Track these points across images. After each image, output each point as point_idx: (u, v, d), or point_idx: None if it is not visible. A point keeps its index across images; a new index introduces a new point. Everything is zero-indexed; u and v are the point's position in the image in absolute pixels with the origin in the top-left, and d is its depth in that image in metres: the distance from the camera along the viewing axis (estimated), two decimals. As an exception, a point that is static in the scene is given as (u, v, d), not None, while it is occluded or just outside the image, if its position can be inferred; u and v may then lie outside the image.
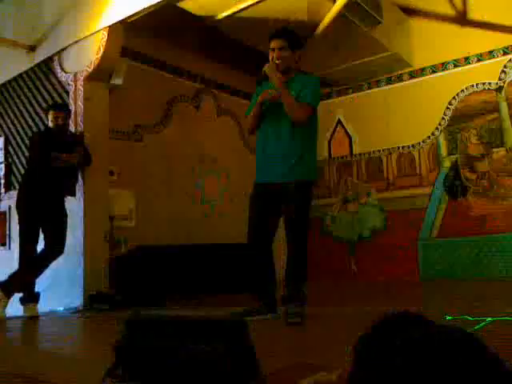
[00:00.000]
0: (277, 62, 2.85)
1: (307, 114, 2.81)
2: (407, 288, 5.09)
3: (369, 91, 6.46)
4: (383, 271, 5.96)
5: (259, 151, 3.01)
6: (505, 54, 5.45)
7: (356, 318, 3.01)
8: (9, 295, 3.65)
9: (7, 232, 5.04)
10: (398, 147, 6.13)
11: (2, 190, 5.14)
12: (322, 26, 4.74)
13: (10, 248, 4.95)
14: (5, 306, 3.61)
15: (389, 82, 6.29)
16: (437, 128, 5.85)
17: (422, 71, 6.03)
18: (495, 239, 5.36)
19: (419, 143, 5.98)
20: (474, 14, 5.61)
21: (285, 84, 2.82)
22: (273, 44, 2.88)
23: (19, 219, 3.85)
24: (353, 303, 3.91)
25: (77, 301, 4.10)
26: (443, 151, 5.84)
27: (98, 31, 4.41)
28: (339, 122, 6.64)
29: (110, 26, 4.35)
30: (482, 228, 5.47)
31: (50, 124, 4.01)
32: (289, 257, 2.90)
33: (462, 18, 5.69)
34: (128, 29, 4.47)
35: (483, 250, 5.43)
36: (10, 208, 4.95)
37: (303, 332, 2.64)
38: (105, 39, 4.35)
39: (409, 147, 6.06)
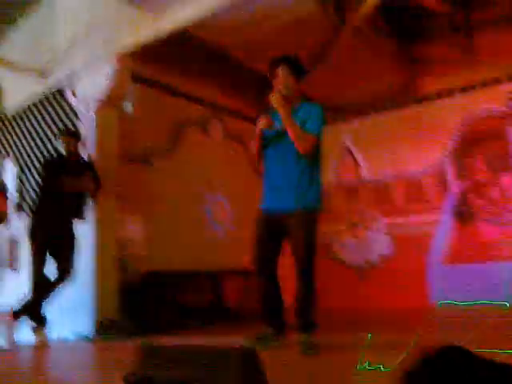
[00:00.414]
0: (282, 90, 2.87)
1: (313, 145, 2.84)
2: (418, 315, 5.02)
3: (376, 116, 6.50)
4: (392, 297, 5.89)
5: (266, 178, 3.03)
6: (510, 80, 5.49)
7: (368, 346, 2.97)
8: (17, 318, 3.65)
9: (18, 256, 5.05)
10: (406, 172, 6.14)
11: (14, 215, 5.17)
12: (329, 53, 4.79)
13: (20, 272, 4.94)
14: (14, 331, 3.60)
15: (396, 107, 6.32)
16: (444, 154, 5.86)
17: (428, 97, 6.08)
18: (505, 266, 5.31)
19: (427, 169, 5.98)
20: (480, 42, 5.68)
21: (291, 116, 2.83)
22: (277, 71, 2.91)
23: (30, 244, 3.87)
24: (363, 330, 3.85)
25: (87, 327, 4.06)
26: (451, 177, 5.83)
27: (110, 59, 4.49)
28: (346, 147, 6.67)
29: (121, 54, 4.42)
30: (492, 254, 5.42)
31: (62, 150, 4.06)
32: (298, 287, 2.89)
33: (467, 44, 5.75)
34: (138, 55, 4.55)
35: (493, 277, 5.37)
36: (21, 233, 4.97)
37: (316, 360, 2.60)
38: (116, 66, 4.42)
39: (416, 172, 6.06)
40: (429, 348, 0.86)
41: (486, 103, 5.64)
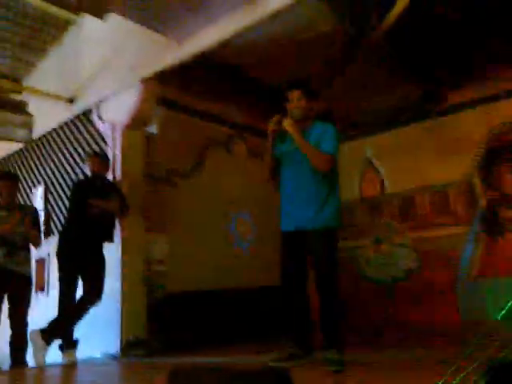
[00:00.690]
0: (294, 113, 2.97)
1: (329, 163, 2.91)
2: (447, 331, 4.93)
3: (398, 129, 6.45)
4: (420, 313, 5.79)
5: (283, 198, 3.09)
6: (536, 90, 5.42)
7: (396, 364, 2.93)
8: (49, 342, 3.70)
9: (46, 278, 5.16)
10: (432, 185, 6.06)
11: (42, 237, 5.29)
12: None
13: (48, 294, 5.04)
14: (44, 353, 3.66)
15: (419, 119, 6.27)
16: (471, 166, 5.78)
17: (453, 108, 6.00)
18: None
19: (453, 181, 5.90)
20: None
21: (304, 137, 2.91)
22: (290, 95, 3.02)
23: (59, 266, 3.94)
24: (391, 348, 3.80)
25: (114, 347, 4.11)
26: (478, 189, 5.74)
27: (135, 83, 4.61)
28: (369, 161, 6.64)
29: (145, 78, 4.54)
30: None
31: (89, 172, 4.17)
32: (322, 304, 2.90)
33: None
34: (162, 79, 4.66)
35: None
36: (49, 254, 5.08)
37: (343, 379, 2.59)
38: (141, 90, 4.54)
39: (443, 185, 5.98)
40: None
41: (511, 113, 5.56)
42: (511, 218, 5.46)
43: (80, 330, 3.96)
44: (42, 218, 5.31)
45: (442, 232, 5.92)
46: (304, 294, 3.02)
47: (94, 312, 3.92)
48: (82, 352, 3.97)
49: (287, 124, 2.93)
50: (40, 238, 4.28)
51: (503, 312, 4.97)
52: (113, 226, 4.16)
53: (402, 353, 3.44)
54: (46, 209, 5.45)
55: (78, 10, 4.85)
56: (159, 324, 4.33)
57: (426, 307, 5.79)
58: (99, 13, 4.08)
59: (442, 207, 5.98)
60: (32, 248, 4.24)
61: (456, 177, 5.85)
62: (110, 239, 4.11)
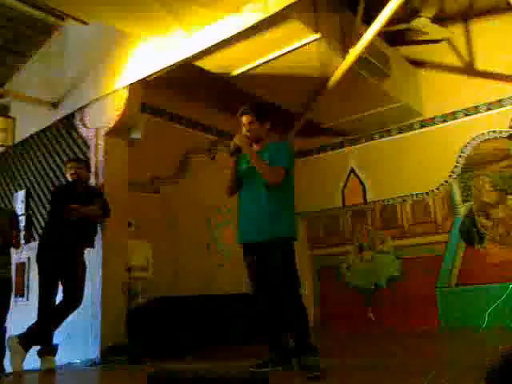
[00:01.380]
0: (247, 134, 3.13)
1: (280, 176, 3.03)
2: (426, 338, 4.99)
3: (381, 140, 6.57)
4: (401, 320, 5.86)
5: (240, 212, 3.23)
6: (513, 102, 5.56)
7: (375, 370, 2.97)
8: (27, 348, 3.66)
9: (26, 283, 5.10)
10: (412, 194, 6.16)
11: (22, 242, 5.23)
12: (333, 80, 4.90)
13: (28, 299, 4.99)
14: (22, 359, 3.62)
15: (400, 131, 6.40)
16: (450, 175, 5.89)
17: (432, 120, 6.14)
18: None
19: (433, 190, 6.00)
20: (481, 65, 5.78)
21: (254, 150, 3.10)
22: (243, 120, 3.18)
23: (39, 271, 3.91)
24: (371, 354, 3.84)
25: (94, 353, 4.08)
26: (458, 198, 5.85)
27: (119, 89, 4.62)
28: (352, 170, 6.73)
29: (130, 84, 4.55)
30: (501, 275, 5.39)
31: (69, 176, 4.14)
32: (285, 314, 3.02)
33: (469, 69, 5.86)
34: (146, 85, 4.67)
35: (503, 299, 5.33)
36: (29, 259, 5.03)
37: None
38: (125, 96, 4.55)
39: (423, 194, 6.08)
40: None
41: (491, 125, 5.69)
42: (489, 227, 5.57)
43: (60, 336, 3.92)
44: (22, 223, 5.27)
45: (423, 240, 6.02)
46: (275, 302, 3.07)
47: (74, 317, 3.89)
48: (61, 358, 3.92)
49: (237, 138, 3.09)
50: (19, 240, 4.24)
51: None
52: (93, 231, 4.14)
53: (381, 359, 3.48)
54: (27, 213, 5.40)
55: (62, 14, 4.85)
56: (140, 330, 4.30)
57: (408, 314, 5.86)
58: (83, 18, 4.08)
59: (422, 216, 6.08)
60: (12, 252, 4.19)
61: (436, 187, 5.97)
62: (91, 245, 4.09)
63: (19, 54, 5.70)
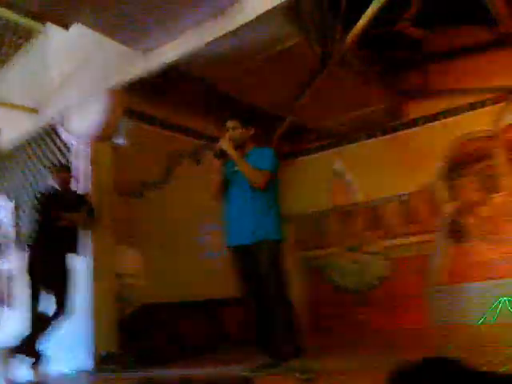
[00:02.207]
0: (230, 141, 3.18)
1: (265, 179, 3.09)
2: (417, 336, 5.01)
3: (366, 141, 6.60)
4: (391, 320, 5.89)
5: (226, 216, 3.28)
6: (496, 102, 5.62)
7: (366, 371, 2.97)
8: (18, 358, 3.62)
9: (12, 293, 5.03)
10: (399, 195, 6.20)
11: (11, 251, 5.17)
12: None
13: (15, 309, 4.92)
14: (14, 370, 3.58)
15: (385, 132, 6.44)
16: (435, 175, 5.94)
17: (416, 121, 6.19)
18: (502, 284, 5.33)
19: (419, 190, 6.05)
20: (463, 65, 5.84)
21: (239, 154, 3.16)
22: (227, 125, 3.25)
23: (28, 280, 3.86)
24: (362, 355, 3.84)
25: (86, 362, 4.03)
26: (444, 197, 5.90)
27: (102, 94, 4.57)
28: (338, 172, 6.75)
29: (113, 89, 4.51)
30: (489, 273, 5.44)
31: (54, 184, 4.10)
32: (274, 316, 3.02)
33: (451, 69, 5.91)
34: (130, 90, 4.63)
35: (490, 296, 5.38)
36: (16, 269, 4.96)
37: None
38: (108, 101, 4.51)
39: (409, 195, 6.12)
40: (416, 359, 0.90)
41: (473, 125, 5.75)
42: (474, 225, 5.63)
43: (52, 346, 3.86)
44: (12, 233, 5.21)
45: (411, 240, 6.06)
46: (264, 305, 3.07)
47: (65, 327, 3.84)
48: (53, 368, 3.87)
49: (222, 141, 3.15)
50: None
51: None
52: (79, 238, 4.09)
53: (374, 359, 3.48)
54: (13, 222, 5.32)
55: (42, 19, 4.79)
56: (132, 337, 4.27)
57: (398, 314, 5.89)
58: (64, 23, 4.04)
59: (409, 216, 6.12)
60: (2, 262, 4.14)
61: (422, 186, 6.01)
62: (75, 251, 4.04)
63: (-1, 60, 5.63)
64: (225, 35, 3.91)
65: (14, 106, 5.34)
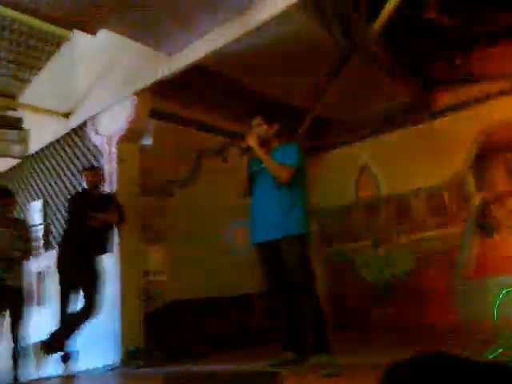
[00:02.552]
0: (255, 137, 3.20)
1: (289, 174, 3.09)
2: (445, 331, 4.96)
3: (392, 133, 6.52)
4: (419, 313, 5.83)
5: (252, 213, 3.29)
6: (525, 90, 5.49)
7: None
8: (49, 354, 3.74)
9: (44, 292, 5.20)
10: (426, 187, 6.12)
11: (42, 250, 5.33)
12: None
13: (46, 307, 5.08)
14: (45, 365, 3.71)
15: (411, 123, 6.34)
16: (463, 165, 5.84)
17: (443, 111, 6.08)
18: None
19: (447, 181, 5.95)
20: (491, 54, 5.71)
21: (265, 151, 3.17)
22: (252, 122, 3.30)
23: (59, 279, 3.98)
24: (389, 350, 3.83)
25: (114, 358, 4.15)
26: (472, 188, 5.80)
27: (129, 96, 4.68)
28: (364, 165, 6.70)
29: (139, 91, 4.61)
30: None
31: (85, 185, 4.22)
32: (302, 310, 3.04)
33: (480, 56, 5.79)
34: (156, 91, 4.73)
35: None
36: (48, 268, 5.13)
37: (338, 381, 2.62)
38: (135, 103, 4.62)
39: (436, 186, 6.04)
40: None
41: (502, 113, 5.62)
42: (504, 216, 5.52)
43: (80, 342, 3.99)
44: (40, 232, 5.38)
45: (439, 232, 5.97)
46: (291, 300, 3.09)
47: (93, 323, 3.96)
48: (82, 363, 4.00)
49: (248, 139, 3.17)
50: (30, 253, 4.31)
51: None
52: (109, 237, 4.20)
53: (400, 354, 3.48)
54: (45, 222, 5.50)
55: (70, 26, 4.93)
56: (159, 334, 4.37)
57: (425, 308, 5.83)
58: (91, 29, 4.15)
59: (437, 208, 6.04)
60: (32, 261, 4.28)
61: (449, 178, 5.92)
62: (105, 251, 4.15)
63: (30, 67, 5.81)
64: (247, 33, 3.96)
65: (45, 111, 5.51)
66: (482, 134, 5.74)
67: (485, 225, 5.64)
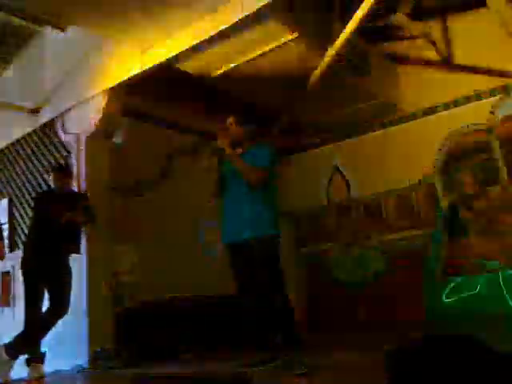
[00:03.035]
0: (228, 138, 3.22)
1: (261, 176, 3.11)
2: (414, 330, 5.03)
3: (363, 136, 6.61)
4: (388, 314, 5.91)
5: (224, 213, 3.30)
6: (491, 95, 5.63)
7: (364, 365, 3.00)
8: (14, 357, 3.64)
9: (11, 292, 5.06)
10: (396, 189, 6.22)
11: (6, 250, 5.18)
12: (312, 79, 4.93)
13: (14, 308, 4.95)
14: (10, 368, 3.60)
15: (381, 126, 6.45)
16: (432, 169, 5.96)
17: (413, 115, 6.21)
18: (498, 277, 5.34)
19: (415, 184, 6.07)
20: (459, 59, 5.85)
21: (238, 151, 3.20)
22: (226, 123, 3.32)
23: (24, 279, 3.88)
24: (358, 351, 3.88)
25: (82, 359, 4.07)
26: (440, 191, 5.92)
27: (99, 93, 4.60)
28: (336, 167, 6.77)
29: (109, 88, 4.54)
30: (484, 266, 5.46)
31: (53, 186, 4.12)
32: (270, 309, 3.05)
33: (447, 63, 5.93)
34: (126, 89, 4.65)
35: (487, 289, 5.40)
36: (13, 268, 4.99)
37: (308, 379, 2.63)
38: (105, 101, 4.54)
39: (406, 189, 6.14)
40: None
41: (470, 118, 5.76)
42: (471, 219, 5.65)
43: (47, 343, 3.90)
44: (5, 231, 5.22)
45: (408, 234, 6.08)
46: (260, 300, 3.10)
47: (61, 324, 3.87)
48: (49, 365, 3.91)
49: (220, 141, 3.18)
50: (3, 251, 4.19)
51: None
52: (78, 237, 4.12)
53: (368, 354, 3.52)
54: (10, 221, 5.35)
55: (39, 21, 4.81)
56: (128, 334, 4.30)
57: (395, 308, 5.91)
58: (61, 25, 4.06)
59: (406, 210, 6.14)
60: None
61: (418, 180, 6.03)
62: (77, 251, 4.07)
63: (-4, 61, 5.66)
64: (219, 33, 3.94)
65: (12, 106, 5.36)
66: (450, 138, 5.87)
67: (452, 227, 5.75)
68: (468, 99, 5.80)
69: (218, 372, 2.66)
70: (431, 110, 6.05)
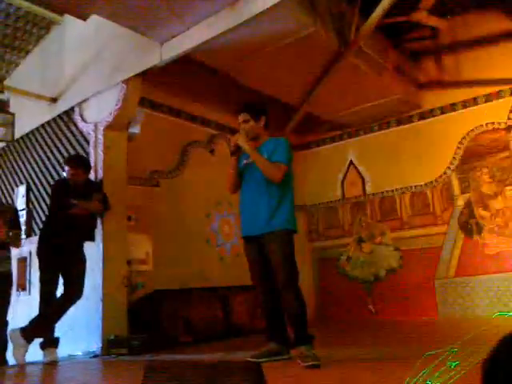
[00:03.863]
0: (242, 133, 3.19)
1: (281, 173, 3.09)
2: (426, 328, 5.03)
3: (380, 132, 6.59)
4: (400, 311, 5.91)
5: (241, 208, 3.30)
6: (511, 94, 5.57)
7: (374, 360, 3.01)
8: (29, 341, 3.70)
9: (27, 277, 5.15)
10: (411, 186, 6.19)
11: (24, 236, 5.26)
12: (332, 73, 4.90)
13: (30, 293, 5.04)
14: (25, 351, 3.67)
15: (399, 123, 6.42)
16: (449, 167, 5.92)
17: (431, 112, 6.16)
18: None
19: (432, 182, 6.03)
20: (480, 55, 5.77)
21: (255, 149, 3.15)
22: (239, 118, 3.26)
23: (39, 265, 3.94)
24: (370, 344, 3.88)
25: (95, 345, 4.13)
26: (456, 190, 5.88)
27: (117, 83, 4.63)
28: (351, 162, 6.75)
29: (128, 79, 4.56)
30: (499, 266, 5.43)
31: (67, 176, 4.15)
32: (285, 304, 3.07)
33: (468, 60, 5.86)
34: (145, 80, 4.68)
35: (501, 289, 5.37)
36: (30, 253, 5.07)
37: (319, 373, 2.64)
38: (124, 91, 4.56)
39: (422, 186, 6.11)
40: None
41: (489, 116, 5.70)
42: (488, 218, 5.60)
43: (61, 329, 3.96)
44: (23, 218, 5.30)
45: (422, 231, 6.05)
46: (274, 294, 3.11)
47: (75, 310, 3.93)
48: (63, 350, 3.97)
49: (237, 137, 3.16)
50: (20, 237, 4.25)
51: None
52: (93, 225, 4.16)
53: (380, 349, 3.52)
54: (27, 208, 5.43)
55: (61, 10, 4.86)
56: (141, 322, 4.35)
57: (407, 304, 5.91)
58: (82, 14, 4.09)
59: (421, 207, 6.11)
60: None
61: (435, 177, 5.99)
62: (91, 239, 4.12)
63: (18, 50, 5.71)
64: (239, 25, 3.94)
65: (31, 95, 5.42)
66: (468, 136, 5.82)
67: (468, 226, 5.72)
68: (488, 97, 5.73)
69: (230, 361, 2.69)
70: (450, 108, 5.99)
